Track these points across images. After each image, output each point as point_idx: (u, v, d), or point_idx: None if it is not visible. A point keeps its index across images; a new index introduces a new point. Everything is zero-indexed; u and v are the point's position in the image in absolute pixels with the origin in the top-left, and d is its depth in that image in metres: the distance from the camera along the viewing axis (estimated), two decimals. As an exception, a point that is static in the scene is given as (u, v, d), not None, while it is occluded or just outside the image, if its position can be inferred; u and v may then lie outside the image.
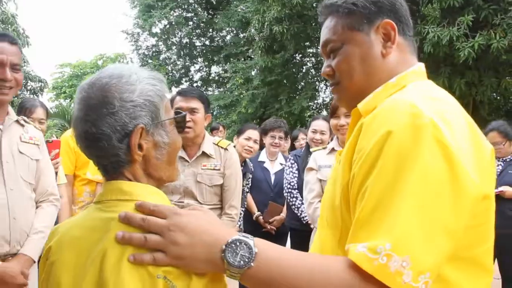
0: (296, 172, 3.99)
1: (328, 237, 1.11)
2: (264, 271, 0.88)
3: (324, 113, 15.40)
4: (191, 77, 20.28)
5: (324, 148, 3.34)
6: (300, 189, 3.93)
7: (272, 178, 4.35)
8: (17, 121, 2.22)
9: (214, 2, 19.36)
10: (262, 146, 4.57)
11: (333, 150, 3.20)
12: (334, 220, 1.09)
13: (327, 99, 16.05)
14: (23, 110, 3.48)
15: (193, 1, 19.31)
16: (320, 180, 3.19)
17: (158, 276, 0.89)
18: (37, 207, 2.25)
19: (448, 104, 1.02)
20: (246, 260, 0.88)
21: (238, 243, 0.89)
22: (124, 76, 0.99)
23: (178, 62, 20.01)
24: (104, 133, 0.96)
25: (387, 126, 0.92)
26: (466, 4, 8.16)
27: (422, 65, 1.17)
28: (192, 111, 2.73)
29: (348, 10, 1.14)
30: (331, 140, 3.90)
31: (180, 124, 1.09)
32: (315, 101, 15.38)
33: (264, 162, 4.40)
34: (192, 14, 19.37)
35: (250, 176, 4.08)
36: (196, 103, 2.76)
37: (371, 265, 0.82)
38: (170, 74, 19.48)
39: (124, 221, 0.93)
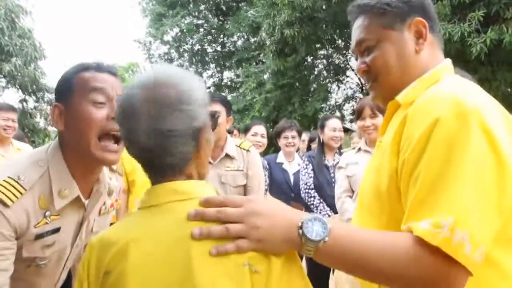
0: (312, 172, 4.08)
1: (371, 224, 1.17)
2: (337, 246, 0.95)
3: (337, 114, 15.40)
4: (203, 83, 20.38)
5: (353, 149, 3.57)
6: (316, 188, 4.03)
7: (292, 178, 4.43)
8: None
9: (224, 8, 19.48)
10: (279, 148, 4.66)
11: (360, 149, 3.43)
12: (379, 207, 1.15)
13: (340, 100, 16.04)
14: None
15: (203, 8, 19.44)
16: (347, 176, 3.41)
17: (244, 264, 0.91)
18: None
19: (484, 96, 1.10)
20: (322, 234, 0.94)
21: (313, 220, 0.95)
22: (189, 75, 1.04)
23: (191, 69, 20.09)
24: (179, 130, 0.98)
25: (434, 114, 1.00)
26: (477, -1, 8.16)
27: (449, 61, 1.26)
28: (215, 114, 2.84)
29: (383, 10, 1.22)
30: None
31: (215, 122, 1.14)
32: (328, 103, 15.38)
33: (282, 163, 4.49)
34: (203, 21, 19.49)
35: (266, 172, 4.17)
36: (218, 107, 2.86)
37: (437, 239, 0.90)
38: (183, 81, 19.59)
39: (196, 218, 0.95)
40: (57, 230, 1.50)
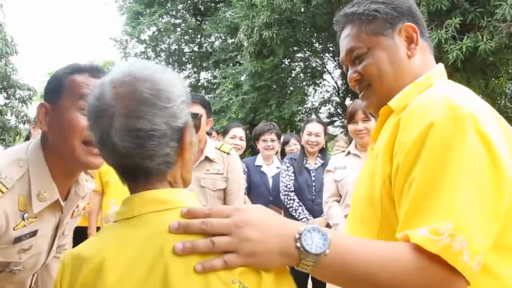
0: (292, 175, 4.05)
1: (363, 232, 1.13)
2: (338, 258, 0.88)
3: (313, 117, 15.46)
4: (180, 83, 20.19)
5: (342, 152, 3.53)
6: (297, 191, 4.00)
7: (270, 181, 4.39)
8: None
9: (202, 9, 19.36)
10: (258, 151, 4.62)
11: (349, 153, 3.39)
12: (372, 215, 1.11)
13: (316, 103, 16.12)
14: None
15: (181, 8, 19.29)
16: (335, 181, 3.37)
17: (233, 281, 0.81)
18: None
19: (477, 100, 1.08)
20: (322, 247, 0.86)
21: (311, 231, 0.87)
22: (166, 70, 0.93)
23: (167, 69, 19.91)
24: (159, 130, 0.87)
25: (428, 119, 0.97)
26: (453, 7, 8.28)
27: (442, 66, 1.24)
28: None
29: (372, 17, 1.19)
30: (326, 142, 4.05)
31: (197, 123, 1.05)
32: (305, 106, 15.44)
33: (261, 166, 4.45)
34: (181, 21, 19.34)
35: (244, 176, 4.13)
36: (198, 108, 2.78)
37: (436, 246, 0.86)
38: (159, 80, 19.39)
39: (179, 230, 0.86)
40: (34, 233, 1.43)
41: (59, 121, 1.40)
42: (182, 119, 0.91)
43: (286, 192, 4.01)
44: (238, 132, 4.23)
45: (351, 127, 3.25)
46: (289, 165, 4.10)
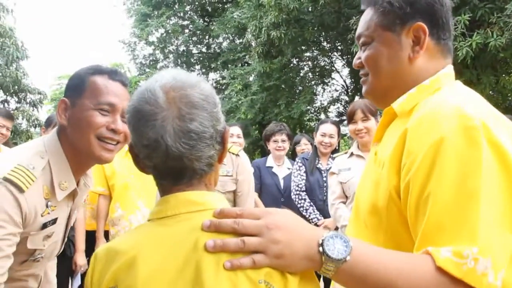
0: (304, 174, 4.04)
1: (368, 237, 1.12)
2: (359, 266, 0.88)
3: (322, 116, 15.43)
4: (188, 84, 20.20)
5: (345, 153, 3.50)
6: (308, 191, 3.99)
7: (281, 182, 4.39)
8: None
9: (210, 10, 19.40)
10: (268, 152, 4.62)
11: (352, 154, 3.38)
12: (376, 223, 1.10)
13: (325, 103, 16.09)
14: None
15: (189, 9, 19.35)
16: (340, 183, 3.36)
17: (260, 281, 0.85)
18: None
19: (486, 105, 1.04)
20: (344, 253, 0.87)
21: (334, 237, 0.88)
22: (206, 81, 1.00)
23: (176, 70, 19.92)
24: (208, 132, 0.93)
25: (438, 131, 0.93)
26: (462, 3, 8.20)
27: (451, 68, 1.18)
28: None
29: (383, 9, 1.14)
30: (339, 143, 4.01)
31: None
32: (314, 105, 15.41)
33: (272, 167, 4.45)
34: (188, 22, 19.39)
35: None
36: None
37: (460, 270, 0.85)
38: (167, 82, 19.43)
39: (210, 228, 0.89)
40: (55, 221, 1.55)
41: (78, 117, 1.51)
42: (223, 123, 0.98)
43: (298, 192, 4.00)
44: (235, 130, 4.24)
45: (351, 127, 3.29)
46: (301, 164, 4.10)
